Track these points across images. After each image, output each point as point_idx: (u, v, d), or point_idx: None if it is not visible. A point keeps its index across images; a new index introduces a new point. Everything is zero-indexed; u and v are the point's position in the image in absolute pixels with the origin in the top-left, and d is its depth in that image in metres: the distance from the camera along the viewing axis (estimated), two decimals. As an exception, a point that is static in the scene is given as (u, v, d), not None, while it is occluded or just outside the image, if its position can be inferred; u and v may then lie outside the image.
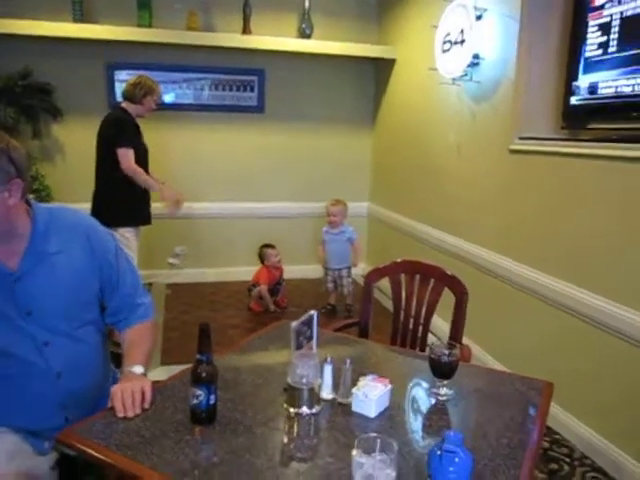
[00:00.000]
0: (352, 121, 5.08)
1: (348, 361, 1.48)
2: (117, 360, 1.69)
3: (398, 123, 4.59)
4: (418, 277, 2.21)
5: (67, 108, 4.42)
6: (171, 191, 3.48)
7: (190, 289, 4.81)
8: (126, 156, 3.32)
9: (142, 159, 3.52)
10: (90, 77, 4.46)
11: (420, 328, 2.22)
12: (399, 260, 2.29)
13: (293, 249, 4.97)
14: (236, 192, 4.98)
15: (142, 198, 3.52)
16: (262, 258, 4.37)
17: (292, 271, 4.66)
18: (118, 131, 3.33)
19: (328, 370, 1.47)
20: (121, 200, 3.39)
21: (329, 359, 1.47)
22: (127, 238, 3.43)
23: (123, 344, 1.60)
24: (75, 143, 4.48)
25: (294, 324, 1.47)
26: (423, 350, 2.18)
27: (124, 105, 3.45)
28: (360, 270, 4.87)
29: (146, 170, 3.58)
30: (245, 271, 4.78)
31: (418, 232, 4.14)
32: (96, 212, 3.34)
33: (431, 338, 2.26)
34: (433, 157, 3.94)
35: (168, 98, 4.67)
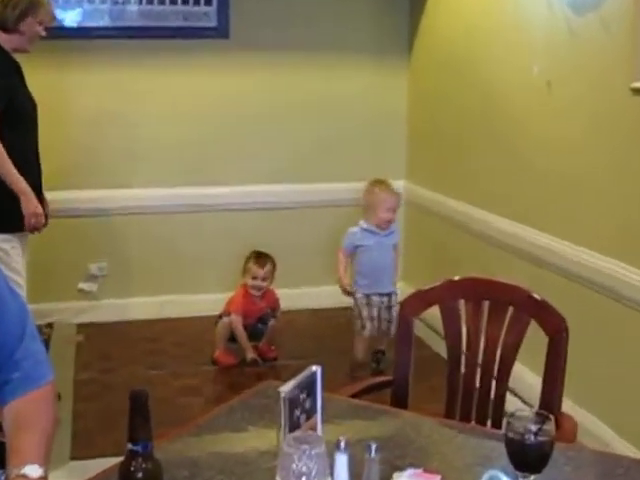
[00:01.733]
0: (375, 50, 5.09)
1: (373, 447, 1.48)
2: (1, 453, 1.72)
3: (449, 50, 4.60)
4: (487, 304, 2.22)
5: None
6: (33, 203, 3.49)
7: (115, 332, 4.82)
8: None
9: (27, 119, 3.54)
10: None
11: (493, 387, 2.22)
12: (456, 278, 2.28)
13: (285, 262, 4.96)
14: (189, 171, 5.00)
15: (28, 183, 3.50)
16: (246, 267, 4.41)
17: (283, 297, 4.65)
18: None
19: (342, 462, 1.47)
20: None
21: (343, 444, 1.47)
22: (5, 251, 3.45)
23: (6, 426, 1.60)
24: None
25: (284, 389, 1.48)
26: (498, 425, 2.17)
27: None
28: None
29: (35, 136, 3.60)
30: (208, 300, 4.80)
31: (486, 228, 4.15)
32: None
33: (511, 403, 2.28)
34: (506, 104, 3.94)
35: (69, 18, 4.68)
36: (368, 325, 4.31)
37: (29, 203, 3.46)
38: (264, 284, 4.38)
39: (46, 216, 3.64)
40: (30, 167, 3.56)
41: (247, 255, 4.45)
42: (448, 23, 4.65)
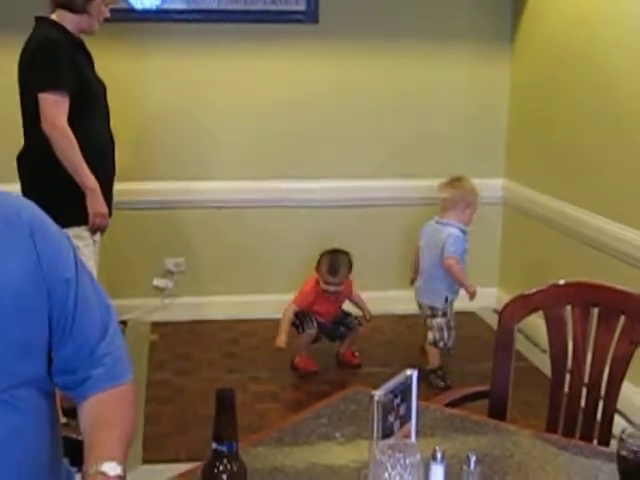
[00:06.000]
0: (475, 37, 5.07)
1: (473, 459, 1.50)
2: (74, 451, 1.74)
3: (558, 37, 4.55)
4: (597, 312, 2.21)
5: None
6: (99, 202, 3.52)
7: (191, 332, 4.89)
8: (53, 106, 3.37)
9: (96, 104, 3.59)
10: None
11: (601, 404, 2.20)
12: (561, 282, 2.27)
13: (370, 263, 4.99)
14: (271, 164, 5.04)
15: (101, 174, 3.56)
16: (318, 268, 4.40)
17: (372, 302, 4.65)
18: (46, 63, 3.41)
19: (438, 474, 1.48)
20: (64, 179, 3.45)
21: (440, 455, 1.50)
22: (79, 245, 3.48)
23: (83, 422, 1.63)
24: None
25: (378, 393, 1.49)
26: (606, 442, 2.15)
27: (56, 17, 3.52)
28: (490, 299, 4.89)
29: (107, 122, 3.66)
30: (288, 302, 4.78)
31: (596, 233, 4.10)
32: None
33: (620, 421, 2.25)
34: (627, 96, 3.89)
35: (147, 0, 4.76)
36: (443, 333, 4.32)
37: (95, 201, 3.49)
38: (339, 288, 4.37)
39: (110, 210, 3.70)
40: (103, 158, 3.62)
41: (321, 252, 4.42)
42: (557, 6, 4.58)
